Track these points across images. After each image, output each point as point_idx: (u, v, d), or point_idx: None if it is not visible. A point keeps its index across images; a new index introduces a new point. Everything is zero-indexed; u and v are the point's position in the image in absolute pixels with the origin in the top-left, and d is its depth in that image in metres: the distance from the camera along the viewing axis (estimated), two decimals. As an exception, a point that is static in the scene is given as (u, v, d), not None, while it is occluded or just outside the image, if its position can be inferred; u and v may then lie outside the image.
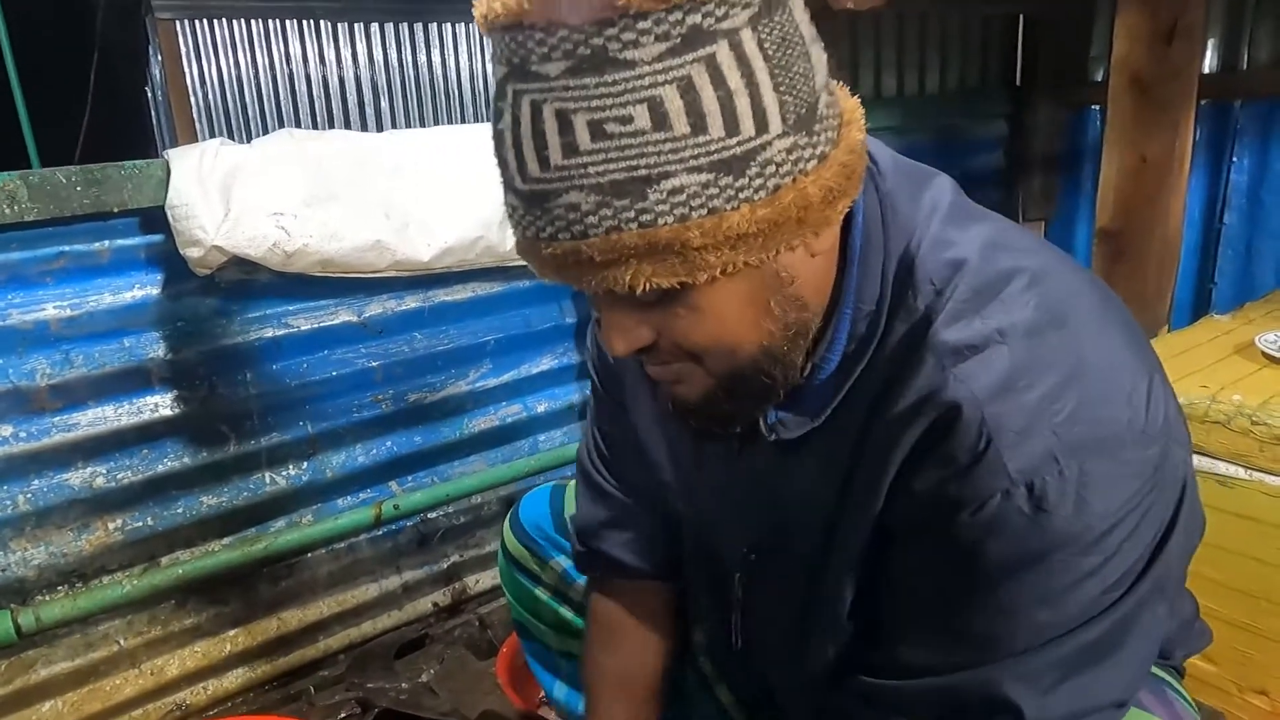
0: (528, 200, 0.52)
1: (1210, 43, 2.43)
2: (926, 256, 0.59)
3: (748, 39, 0.48)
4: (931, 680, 0.61)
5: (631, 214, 0.49)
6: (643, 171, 0.48)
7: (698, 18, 0.47)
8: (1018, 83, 2.83)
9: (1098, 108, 2.66)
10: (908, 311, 0.59)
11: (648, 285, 0.51)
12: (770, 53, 0.49)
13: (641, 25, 0.46)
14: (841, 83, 0.58)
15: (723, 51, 0.48)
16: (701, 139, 0.48)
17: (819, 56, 0.53)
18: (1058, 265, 0.61)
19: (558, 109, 0.48)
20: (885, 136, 2.56)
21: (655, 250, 0.50)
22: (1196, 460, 1.24)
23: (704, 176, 0.48)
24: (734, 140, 0.48)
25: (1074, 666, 0.57)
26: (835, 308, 0.61)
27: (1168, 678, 0.77)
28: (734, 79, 0.48)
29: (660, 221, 0.49)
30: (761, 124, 0.49)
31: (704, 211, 0.49)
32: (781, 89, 0.50)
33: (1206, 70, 2.41)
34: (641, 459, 0.86)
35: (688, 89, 0.47)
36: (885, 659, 0.65)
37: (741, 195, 0.49)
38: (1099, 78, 2.71)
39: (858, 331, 0.61)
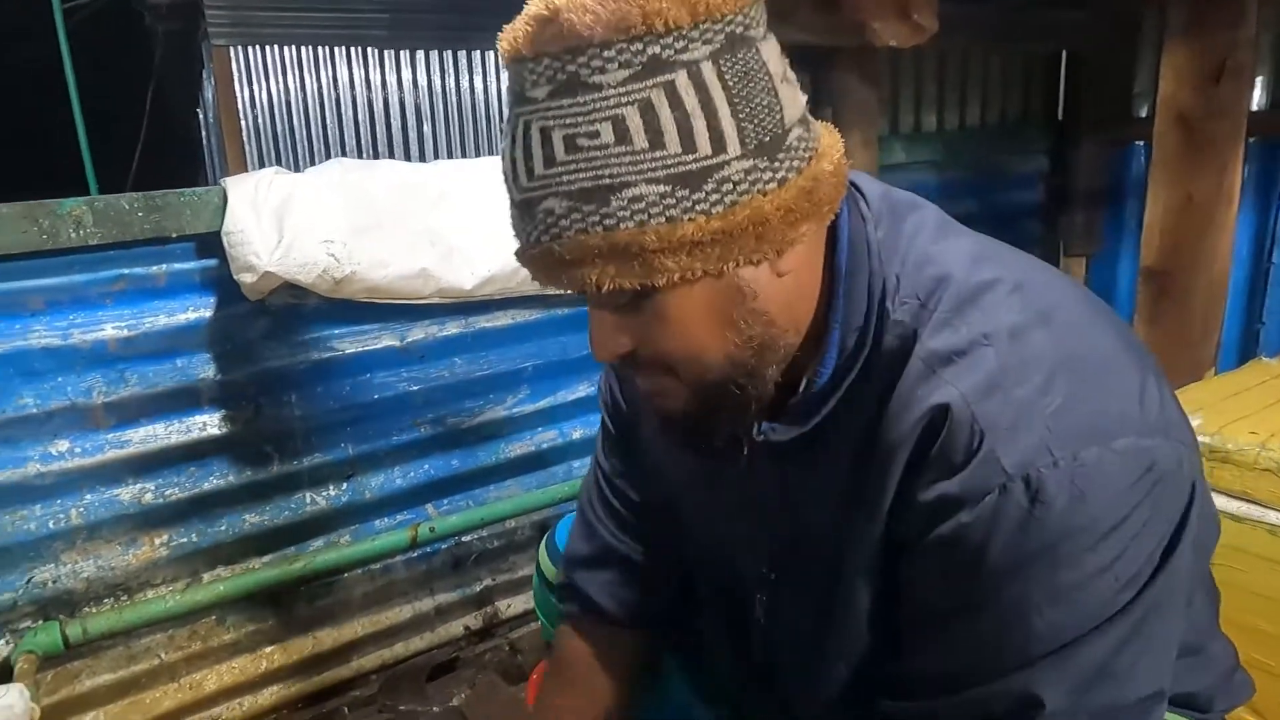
0: (520, 209, 0.59)
1: (1258, 80, 2.40)
2: (910, 274, 0.63)
3: (708, 70, 0.54)
4: (958, 696, 0.61)
5: (596, 218, 0.55)
6: (606, 180, 0.54)
7: (657, 49, 0.53)
8: (1060, 118, 2.81)
9: (1141, 144, 2.63)
10: (895, 325, 0.62)
11: (612, 285, 0.56)
12: (730, 84, 0.55)
13: (607, 54, 0.53)
14: (827, 122, 0.65)
15: (681, 79, 0.54)
16: (659, 154, 0.54)
17: (790, 94, 0.58)
18: (1041, 274, 0.64)
19: (541, 126, 0.55)
20: (925, 171, 2.54)
21: (616, 252, 0.55)
22: (1244, 507, 1.21)
23: (661, 188, 0.54)
24: (690, 157, 0.54)
25: (1098, 672, 0.57)
26: (826, 327, 0.65)
27: None
28: (691, 103, 0.54)
29: (621, 226, 0.54)
30: (719, 145, 0.54)
31: (661, 220, 0.54)
32: (740, 116, 0.55)
33: (1254, 107, 2.38)
34: (650, 487, 0.88)
35: (647, 109, 0.53)
36: (905, 674, 0.65)
37: (697, 207, 0.55)
38: (1143, 114, 2.69)
39: (847, 347, 0.64)
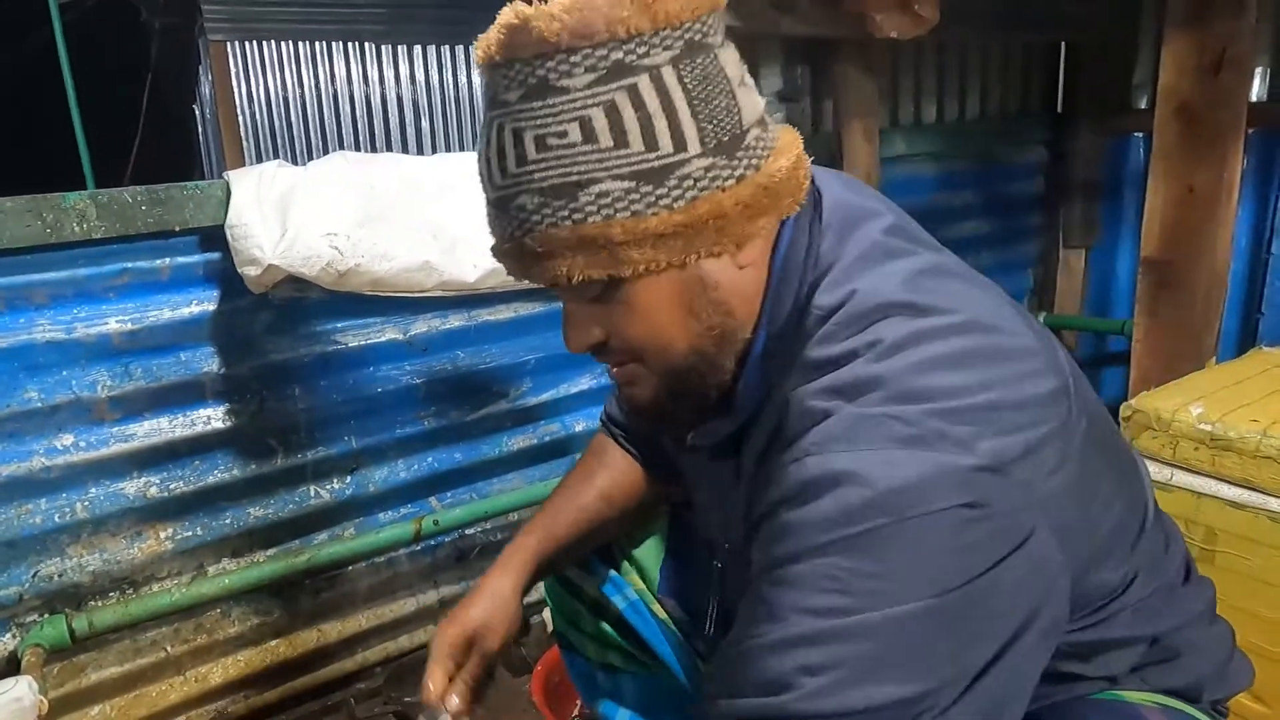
0: (495, 206, 0.63)
1: (1258, 71, 2.40)
2: (828, 288, 0.64)
3: (668, 75, 0.58)
4: (726, 651, 0.60)
5: (566, 212, 0.59)
6: (575, 177, 0.58)
7: (620, 54, 0.57)
8: (1059, 109, 2.81)
9: (1141, 135, 2.64)
10: (801, 336, 0.65)
11: (582, 276, 0.60)
12: (690, 87, 0.59)
13: (574, 59, 0.57)
14: (787, 124, 0.69)
15: (644, 82, 0.58)
16: (623, 152, 0.58)
17: (748, 98, 0.62)
18: (968, 308, 0.61)
19: (514, 127, 0.59)
20: (924, 163, 2.54)
21: (585, 244, 0.59)
22: (1247, 495, 1.22)
23: (626, 184, 0.58)
24: (653, 155, 0.58)
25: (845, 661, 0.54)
26: (756, 329, 0.68)
27: (1200, 715, 0.76)
28: (653, 104, 0.58)
29: (589, 219, 0.59)
30: (680, 143, 0.58)
31: (626, 214, 0.58)
32: (700, 117, 0.59)
33: (1254, 98, 2.38)
34: None
35: (611, 110, 0.57)
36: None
37: (660, 202, 0.59)
38: (1142, 105, 2.69)
39: (770, 350, 0.67)
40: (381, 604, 1.77)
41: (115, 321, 1.40)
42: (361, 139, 4.74)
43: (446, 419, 1.75)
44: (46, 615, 1.41)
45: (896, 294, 0.62)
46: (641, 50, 0.57)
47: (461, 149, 4.90)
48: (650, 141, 0.58)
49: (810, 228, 0.67)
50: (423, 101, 4.83)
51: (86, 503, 1.42)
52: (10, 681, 1.21)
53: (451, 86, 4.86)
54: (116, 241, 1.37)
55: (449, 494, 1.80)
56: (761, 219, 0.62)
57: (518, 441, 1.85)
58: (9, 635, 1.40)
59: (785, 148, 0.64)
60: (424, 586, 1.82)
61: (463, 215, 1.59)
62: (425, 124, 4.88)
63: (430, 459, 1.76)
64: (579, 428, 1.92)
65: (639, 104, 0.57)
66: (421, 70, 4.79)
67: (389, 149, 4.76)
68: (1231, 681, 0.78)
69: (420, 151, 4.81)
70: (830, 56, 2.12)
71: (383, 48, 4.69)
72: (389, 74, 4.74)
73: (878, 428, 0.55)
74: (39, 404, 1.35)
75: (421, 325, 1.68)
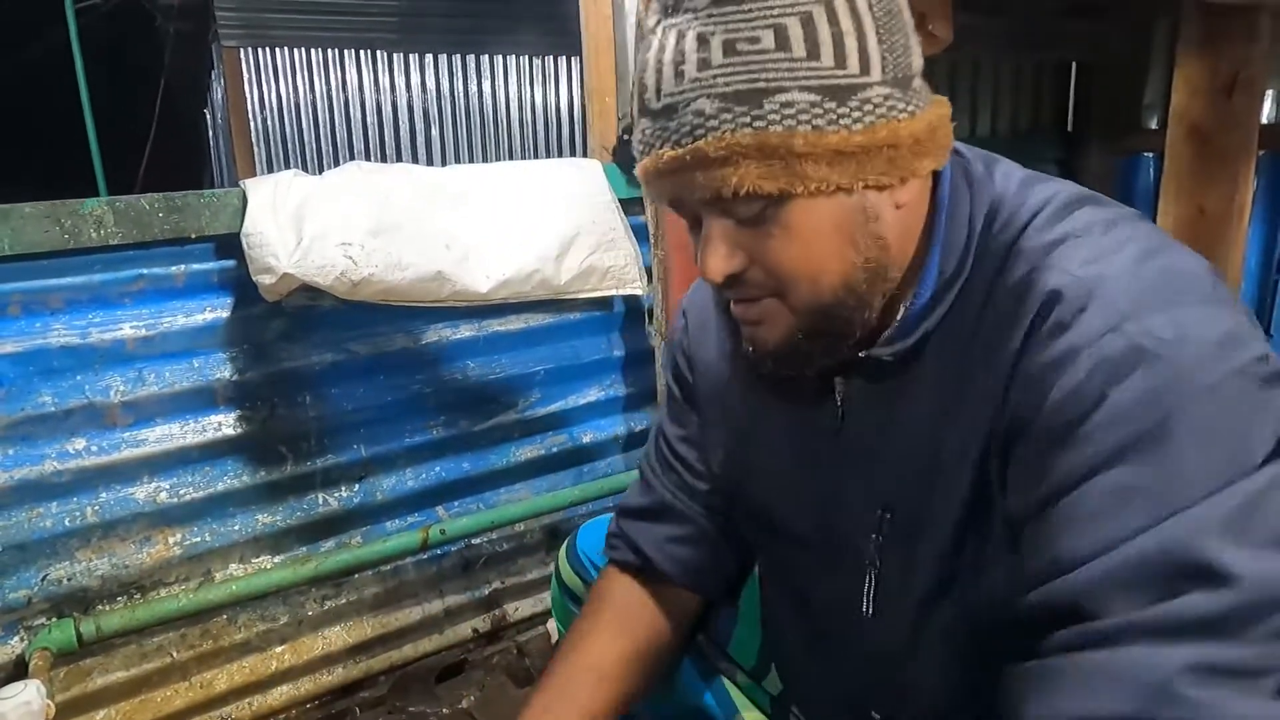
0: (659, 115, 0.61)
1: (1269, 93, 2.41)
2: (1009, 203, 0.67)
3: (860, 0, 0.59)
4: (1108, 557, 0.52)
5: (748, 119, 0.57)
6: (762, 84, 0.57)
7: None
8: (1069, 129, 2.82)
9: (1151, 155, 2.64)
10: (996, 245, 0.65)
11: (753, 187, 0.58)
12: (878, 15, 0.59)
13: None
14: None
15: (839, 1, 0.58)
16: (814, 64, 0.57)
17: (918, 46, 0.63)
18: (1130, 212, 0.66)
19: (699, 32, 0.58)
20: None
21: (764, 152, 0.58)
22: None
23: (812, 96, 0.57)
24: (841, 72, 0.58)
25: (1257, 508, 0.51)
26: (926, 254, 0.67)
27: None
28: (846, 23, 0.58)
29: (771, 128, 0.57)
30: (865, 66, 0.58)
31: (808, 127, 0.57)
32: (884, 47, 0.59)
33: (1265, 121, 2.39)
34: (716, 459, 0.88)
35: (808, 21, 0.57)
36: (1047, 558, 0.57)
37: (841, 120, 0.58)
38: (1152, 125, 2.70)
39: (946, 270, 0.66)
40: (387, 612, 1.77)
41: (130, 327, 1.40)
42: (372, 146, 4.77)
43: (455, 429, 1.75)
44: (54, 619, 1.41)
45: (1083, 191, 0.67)
46: None
47: (471, 157, 4.92)
48: (840, 58, 0.58)
49: (971, 168, 0.69)
50: (433, 110, 4.86)
51: (97, 507, 1.42)
52: (19, 685, 1.21)
53: (462, 95, 4.89)
54: (133, 248, 1.38)
55: (456, 503, 1.80)
56: (925, 159, 0.62)
57: (525, 452, 1.86)
58: (17, 638, 1.40)
59: (942, 101, 0.66)
60: (430, 596, 1.82)
61: (476, 225, 1.60)
62: (435, 132, 4.90)
63: (438, 468, 1.76)
64: (587, 439, 1.92)
65: (834, 20, 0.57)
66: (433, 78, 4.82)
67: (399, 156, 4.79)
68: None
69: (430, 159, 4.83)
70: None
71: (394, 56, 4.72)
72: (400, 82, 4.77)
73: (1173, 280, 0.58)
74: (52, 408, 1.36)
75: (432, 335, 1.69)
